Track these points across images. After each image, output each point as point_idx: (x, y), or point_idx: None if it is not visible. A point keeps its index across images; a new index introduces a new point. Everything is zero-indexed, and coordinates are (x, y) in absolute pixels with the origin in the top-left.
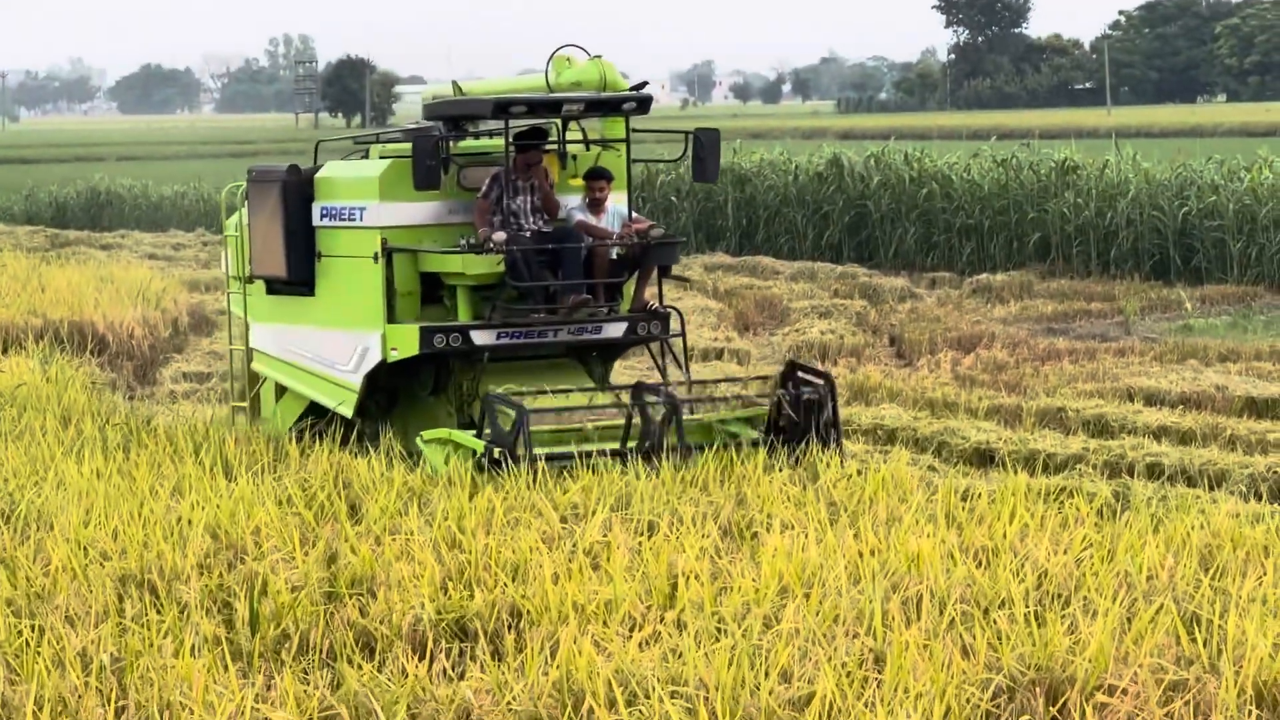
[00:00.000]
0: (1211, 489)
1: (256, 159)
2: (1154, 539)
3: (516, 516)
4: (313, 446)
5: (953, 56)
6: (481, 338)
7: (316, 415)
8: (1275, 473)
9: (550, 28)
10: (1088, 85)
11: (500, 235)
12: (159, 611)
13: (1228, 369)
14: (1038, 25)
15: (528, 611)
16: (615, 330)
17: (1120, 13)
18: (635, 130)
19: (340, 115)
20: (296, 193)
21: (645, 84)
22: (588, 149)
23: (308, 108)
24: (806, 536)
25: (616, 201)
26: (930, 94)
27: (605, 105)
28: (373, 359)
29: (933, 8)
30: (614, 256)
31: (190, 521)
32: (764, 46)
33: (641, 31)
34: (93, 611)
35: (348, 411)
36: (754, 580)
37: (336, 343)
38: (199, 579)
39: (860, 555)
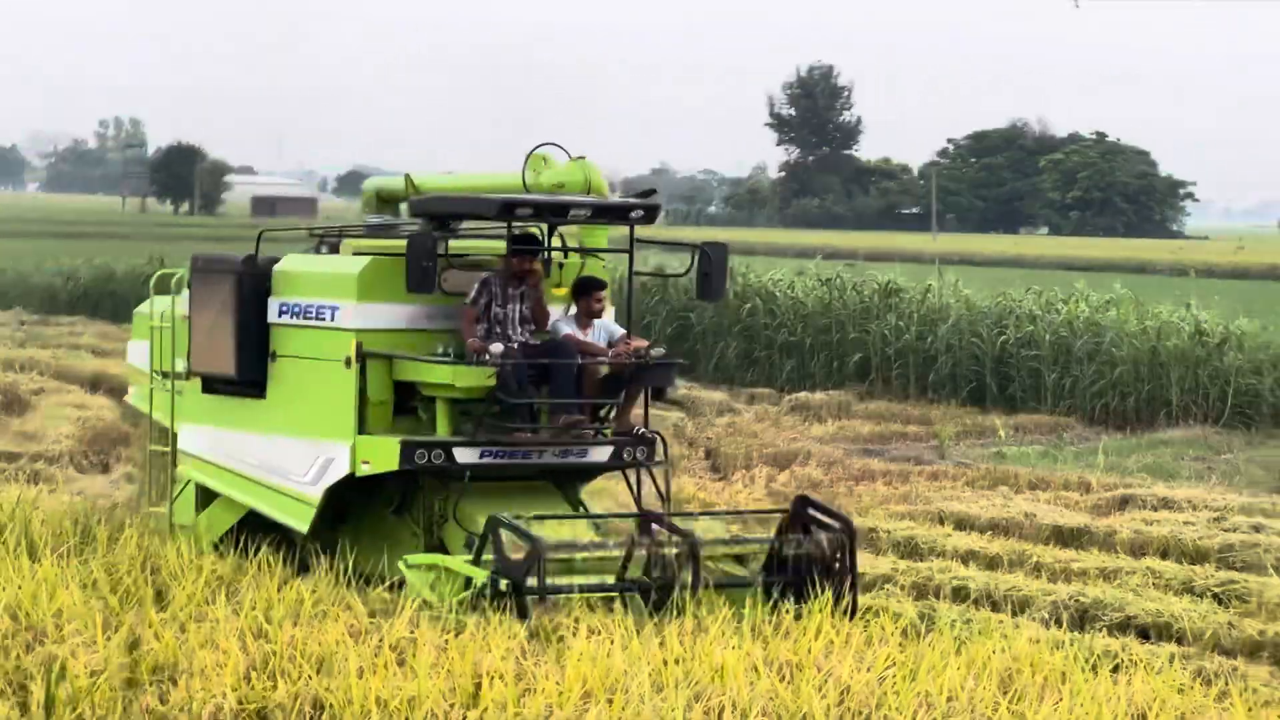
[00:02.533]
0: (1015, 614)
1: (81, 241)
2: (956, 660)
3: (325, 609)
4: (120, 532)
5: (783, 174)
6: (464, 455)
7: (251, 526)
8: (1077, 600)
9: (381, 119)
10: (914, 210)
11: (497, 347)
12: None
13: (1037, 496)
14: (868, 148)
15: (330, 705)
16: (601, 454)
17: (949, 140)
18: (639, 241)
19: (169, 202)
20: (252, 286)
21: (653, 191)
22: (581, 258)
23: (135, 192)
24: (612, 642)
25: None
26: (759, 210)
27: (612, 212)
28: (337, 471)
29: (765, 125)
30: (603, 374)
31: None
32: (594, 154)
33: (470, 131)
34: None
35: (302, 526)
36: (558, 683)
37: (291, 451)
38: None
39: (665, 663)
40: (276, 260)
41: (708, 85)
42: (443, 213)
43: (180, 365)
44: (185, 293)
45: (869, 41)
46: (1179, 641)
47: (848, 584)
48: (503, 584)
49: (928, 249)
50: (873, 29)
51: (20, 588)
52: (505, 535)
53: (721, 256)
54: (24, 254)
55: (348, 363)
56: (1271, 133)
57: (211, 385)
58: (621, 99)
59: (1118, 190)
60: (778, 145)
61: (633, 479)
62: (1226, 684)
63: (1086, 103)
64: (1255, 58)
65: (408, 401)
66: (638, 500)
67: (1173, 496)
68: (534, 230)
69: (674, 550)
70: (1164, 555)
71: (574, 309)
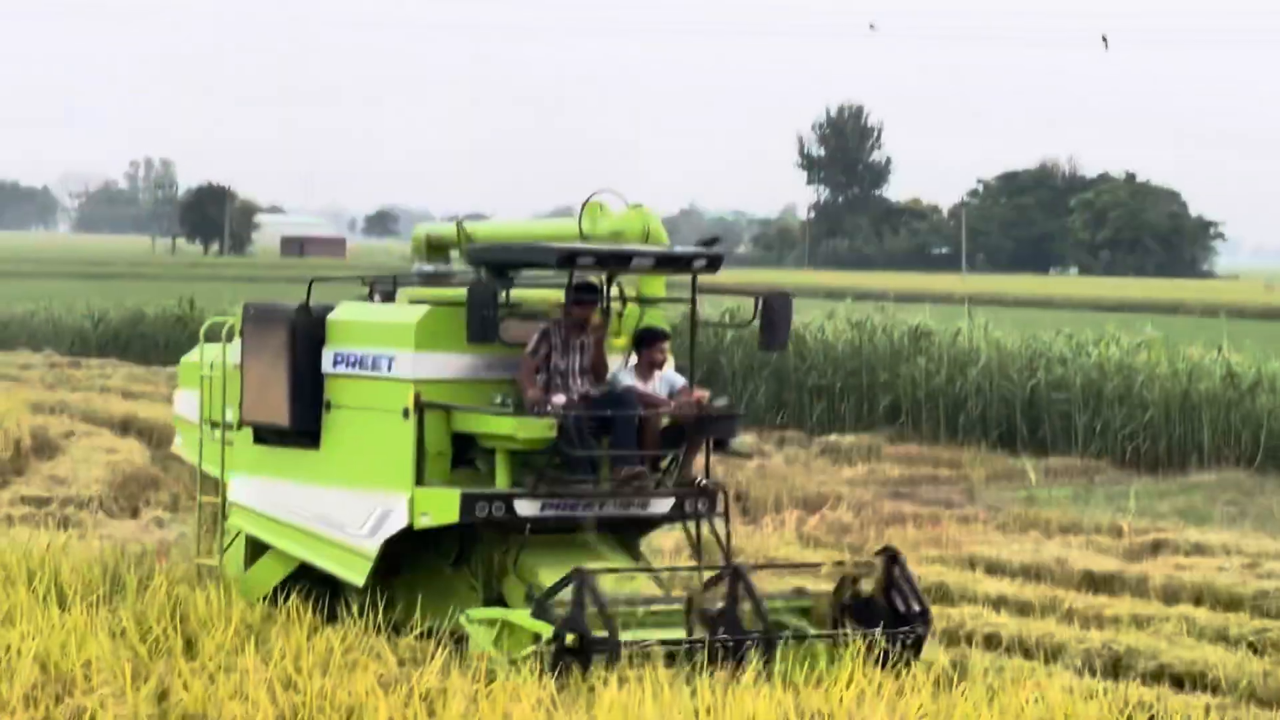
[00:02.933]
0: (1047, 662)
1: (111, 282)
2: (989, 711)
3: (355, 658)
4: (149, 579)
5: (812, 215)
6: (525, 508)
7: (304, 579)
8: (1110, 648)
9: (415, 160)
10: (944, 250)
11: (560, 399)
12: None
13: (1068, 541)
14: (898, 188)
15: None
16: (662, 505)
17: (979, 180)
18: (703, 290)
19: (198, 241)
20: (306, 335)
21: (717, 239)
22: (640, 307)
23: (165, 232)
24: (644, 692)
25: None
26: (789, 251)
27: (676, 262)
28: (395, 524)
29: (795, 165)
30: (663, 425)
31: (19, 651)
32: (624, 192)
33: (498, 172)
34: None
35: (358, 580)
36: None
37: (346, 503)
38: (25, 711)
39: (696, 714)
40: (330, 309)
41: (737, 124)
42: (503, 262)
43: (231, 415)
44: (236, 341)
45: (899, 81)
46: (1214, 691)
47: (913, 602)
48: (569, 639)
49: (958, 289)
50: (902, 69)
51: (49, 637)
52: (575, 590)
53: (785, 306)
54: (55, 295)
55: (405, 413)
56: None
57: (263, 436)
58: (650, 138)
59: (1148, 230)
60: (807, 184)
61: (693, 531)
62: None
63: (1116, 142)
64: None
65: (465, 453)
66: (697, 552)
67: (1205, 541)
68: (593, 279)
69: (740, 604)
70: (1197, 602)
71: (635, 359)
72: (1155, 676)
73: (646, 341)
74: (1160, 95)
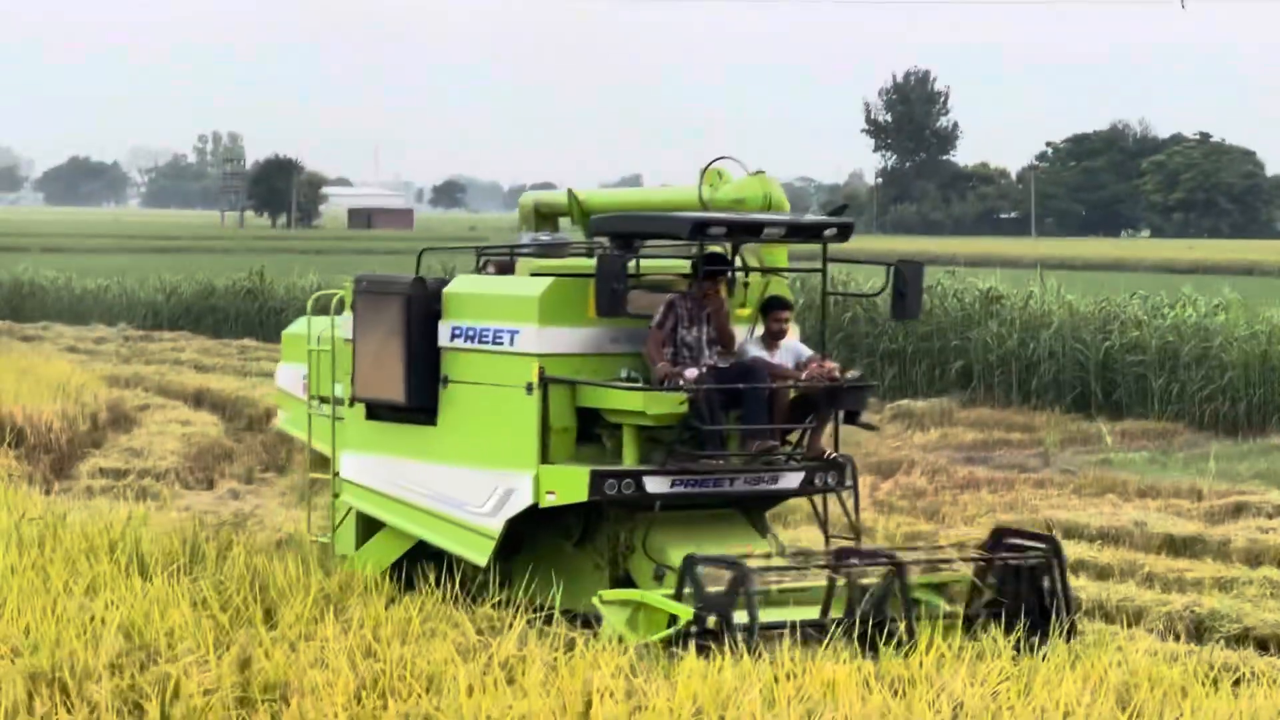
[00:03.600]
0: (1129, 625)
1: (182, 256)
2: (1071, 675)
3: (433, 627)
4: (228, 550)
5: (880, 180)
6: (655, 485)
7: (420, 556)
8: (1192, 612)
9: (481, 133)
10: (1013, 215)
11: (693, 372)
12: (69, 710)
13: (1146, 505)
14: (965, 153)
15: None
16: (791, 480)
17: (1048, 144)
18: (833, 259)
19: (266, 215)
20: (422, 309)
21: (845, 207)
22: (763, 277)
23: (234, 206)
24: (723, 658)
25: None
26: (857, 217)
27: (806, 230)
28: (519, 502)
29: (861, 131)
30: (791, 397)
31: (104, 620)
32: (692, 163)
33: (569, 143)
34: (2, 708)
35: (480, 559)
36: (669, 700)
37: (466, 481)
38: (110, 679)
39: (775, 680)
40: (445, 281)
41: (803, 91)
42: (630, 232)
43: (341, 390)
44: (346, 315)
45: (965, 45)
46: None
47: (1063, 606)
48: (710, 620)
49: (1027, 254)
50: (968, 31)
51: (133, 607)
52: (706, 570)
53: (917, 275)
54: (128, 270)
55: (529, 389)
56: None
57: (376, 412)
58: (718, 105)
59: (1222, 191)
60: (874, 151)
61: (820, 505)
62: None
63: (1189, 103)
64: None
65: (588, 429)
66: (824, 528)
67: None
68: (720, 249)
69: (881, 582)
70: None
71: (760, 330)
72: (1239, 640)
73: (768, 310)
74: (1235, 53)
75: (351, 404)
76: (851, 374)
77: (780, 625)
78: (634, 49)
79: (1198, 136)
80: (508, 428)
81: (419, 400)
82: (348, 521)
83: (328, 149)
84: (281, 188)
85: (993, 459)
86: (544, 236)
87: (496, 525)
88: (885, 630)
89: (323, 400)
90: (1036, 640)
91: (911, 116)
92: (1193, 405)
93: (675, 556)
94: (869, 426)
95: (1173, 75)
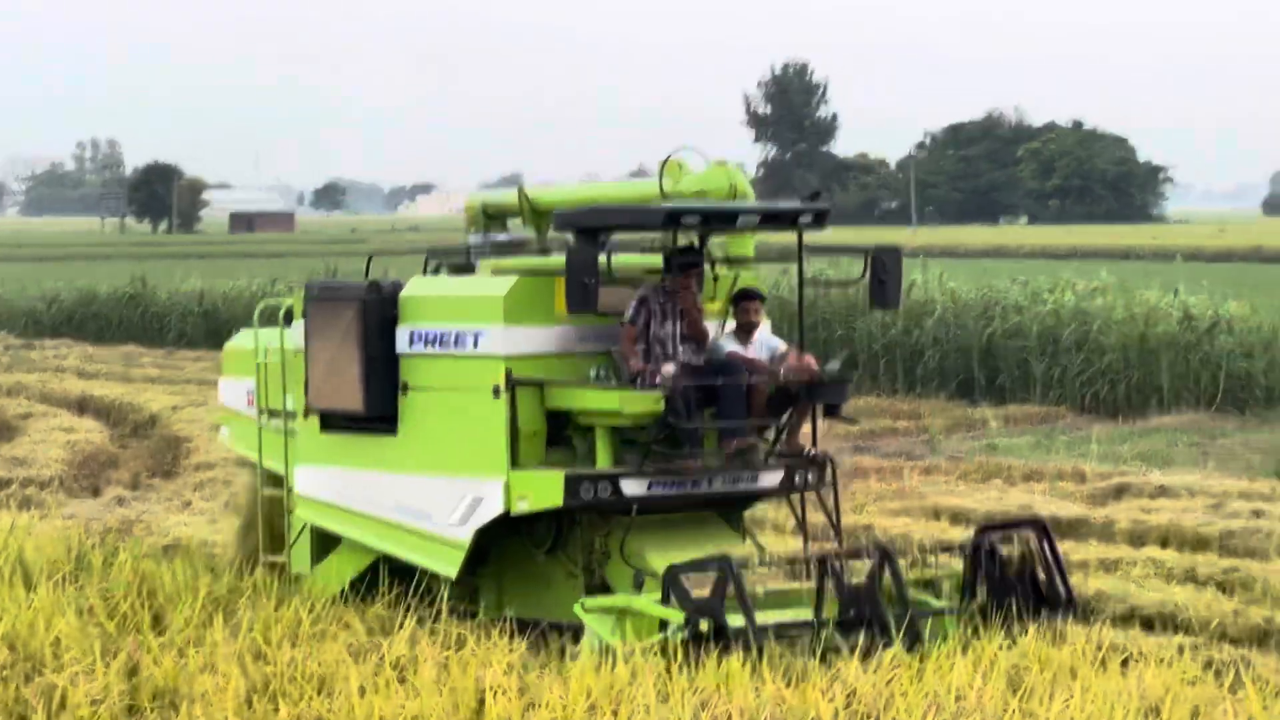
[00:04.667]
0: None
1: (62, 264)
2: (962, 660)
3: (323, 628)
4: (114, 557)
5: (761, 172)
6: (632, 487)
7: (383, 571)
8: (1079, 593)
9: (364, 132)
10: (893, 205)
11: (670, 368)
12: None
13: (1031, 488)
14: (845, 143)
15: None
16: (771, 479)
17: (926, 133)
18: (808, 248)
19: (147, 220)
20: (378, 313)
21: (819, 193)
22: (731, 269)
23: (114, 212)
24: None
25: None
26: None
27: (781, 218)
28: (489, 511)
29: (741, 123)
30: (769, 392)
31: None
32: (574, 157)
33: (453, 146)
34: None
35: (450, 571)
36: (561, 697)
37: (431, 491)
38: None
39: (669, 672)
40: (400, 285)
41: (682, 83)
42: (599, 225)
43: (293, 402)
44: (296, 324)
45: (841, 36)
46: (1185, 632)
47: (1059, 582)
48: (703, 624)
49: (908, 242)
50: (843, 24)
51: (17, 617)
52: (690, 577)
53: (896, 262)
54: (7, 278)
55: (496, 392)
56: (1249, 115)
57: (332, 423)
58: (598, 99)
59: (1097, 177)
60: (754, 142)
61: (798, 505)
62: (1237, 674)
63: (1062, 91)
64: (1231, 38)
65: (558, 431)
66: (803, 526)
67: (1169, 484)
68: (689, 242)
69: (871, 581)
70: (1164, 544)
71: (732, 324)
72: (1126, 619)
73: (739, 302)
74: (1105, 37)
75: (305, 416)
76: (831, 367)
77: (775, 627)
78: (511, 51)
79: (1071, 124)
80: (474, 434)
81: (378, 409)
82: (302, 539)
83: (207, 154)
84: (161, 193)
85: (879, 447)
86: (500, 236)
87: (465, 535)
88: (875, 627)
89: (273, 414)
90: (1042, 624)
91: (790, 108)
92: (1074, 389)
93: (655, 561)
94: (850, 420)
95: (1045, 61)
